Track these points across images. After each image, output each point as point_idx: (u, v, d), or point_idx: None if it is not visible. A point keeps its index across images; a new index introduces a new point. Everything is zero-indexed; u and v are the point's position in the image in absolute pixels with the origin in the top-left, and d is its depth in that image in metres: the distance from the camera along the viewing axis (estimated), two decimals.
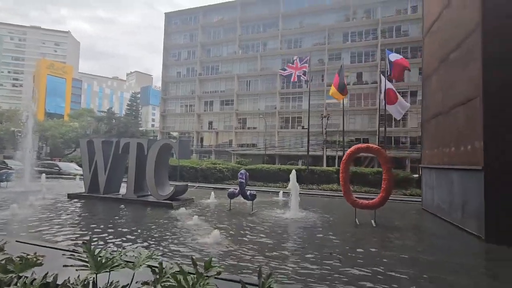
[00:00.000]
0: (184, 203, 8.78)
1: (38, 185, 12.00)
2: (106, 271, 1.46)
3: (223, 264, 3.81)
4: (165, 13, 52.72)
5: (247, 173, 8.67)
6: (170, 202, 8.42)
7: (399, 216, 8.49)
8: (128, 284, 1.47)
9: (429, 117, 9.65)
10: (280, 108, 42.74)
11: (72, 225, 5.95)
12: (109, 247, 4.42)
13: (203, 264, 1.41)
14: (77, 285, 1.38)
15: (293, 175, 8.29)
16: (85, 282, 1.40)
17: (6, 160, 21.62)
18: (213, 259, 1.49)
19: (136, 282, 1.44)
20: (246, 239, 5.30)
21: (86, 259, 1.47)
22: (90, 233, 5.28)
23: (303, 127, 39.80)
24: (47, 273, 1.42)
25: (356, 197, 7.43)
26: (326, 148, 35.35)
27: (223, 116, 46.52)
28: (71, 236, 5.07)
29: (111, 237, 5.04)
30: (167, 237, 5.19)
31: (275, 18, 45.04)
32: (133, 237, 5.08)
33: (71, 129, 46.11)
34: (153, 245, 4.64)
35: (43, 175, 14.00)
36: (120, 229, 5.68)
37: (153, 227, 5.95)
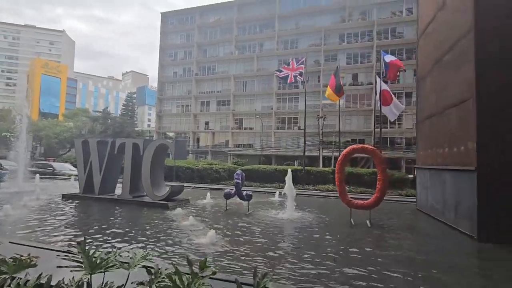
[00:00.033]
0: (180, 204, 8.75)
1: (32, 185, 11.87)
2: (101, 272, 1.46)
3: (219, 264, 3.82)
4: (162, 13, 52.56)
5: (243, 174, 8.68)
6: (166, 202, 8.39)
7: (393, 216, 8.56)
8: (123, 284, 1.47)
9: (423, 118, 9.76)
10: (277, 109, 42.82)
11: (67, 226, 5.90)
12: (104, 248, 4.39)
13: (198, 264, 1.42)
14: (72, 285, 1.38)
15: (288, 176, 8.31)
16: (80, 283, 1.39)
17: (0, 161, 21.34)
18: (208, 259, 1.50)
19: (132, 283, 1.44)
20: (242, 239, 5.31)
21: (81, 260, 1.47)
22: (84, 234, 5.24)
23: (299, 128, 39.94)
24: (41, 274, 1.42)
25: (351, 198, 7.49)
26: (322, 148, 35.48)
27: (219, 116, 46.46)
28: (65, 237, 5.03)
29: (106, 238, 5.01)
30: (163, 237, 5.17)
31: (272, 19, 45.14)
32: (128, 238, 5.06)
33: (66, 129, 45.69)
34: (148, 246, 4.62)
35: (37, 175, 13.84)
36: (115, 230, 5.65)
37: (148, 227, 5.93)
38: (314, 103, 39.24)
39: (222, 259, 4.10)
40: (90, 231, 5.46)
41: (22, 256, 1.54)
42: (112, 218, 6.98)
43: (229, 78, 46.06)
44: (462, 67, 6.58)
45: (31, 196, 8.93)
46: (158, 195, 8.69)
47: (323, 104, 38.69)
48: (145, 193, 9.06)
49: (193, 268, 1.38)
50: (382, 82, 16.04)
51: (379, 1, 39.93)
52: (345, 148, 7.62)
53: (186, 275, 1.34)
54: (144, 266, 1.48)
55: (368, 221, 6.97)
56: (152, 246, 4.60)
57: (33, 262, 1.52)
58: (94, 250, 1.56)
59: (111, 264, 1.49)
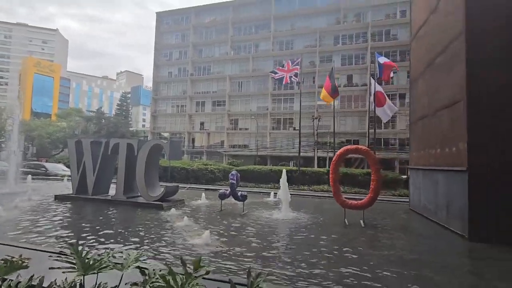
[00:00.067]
0: (175, 204, 8.71)
1: (24, 186, 11.70)
2: (94, 273, 1.46)
3: (213, 265, 3.82)
4: (157, 13, 52.24)
5: (238, 174, 8.69)
6: (160, 203, 8.34)
7: (387, 216, 8.65)
8: (116, 285, 1.47)
9: (416, 120, 9.89)
10: (272, 109, 42.89)
11: (59, 227, 5.83)
12: (97, 249, 4.36)
13: (192, 264, 1.42)
14: (64, 287, 1.37)
15: (283, 179, 8.32)
16: (72, 284, 1.39)
17: None
18: (202, 259, 1.50)
19: (125, 284, 1.44)
20: (236, 239, 5.31)
21: (74, 261, 1.46)
22: (77, 235, 5.19)
23: (294, 128, 40.07)
24: (33, 275, 1.41)
25: (345, 198, 7.55)
26: (317, 149, 35.66)
27: (214, 116, 46.36)
28: (57, 238, 4.97)
29: (99, 239, 4.97)
30: (157, 238, 5.15)
31: (267, 19, 45.22)
32: (122, 239, 5.03)
33: (59, 129, 45.08)
34: (142, 247, 4.60)
35: (29, 176, 13.65)
36: (109, 230, 5.60)
37: (142, 228, 5.90)
38: (309, 104, 39.43)
39: (216, 260, 4.10)
40: (83, 232, 5.41)
41: (13, 257, 1.53)
42: (106, 219, 6.92)
43: (224, 78, 45.99)
44: (453, 70, 6.69)
45: (23, 197, 8.80)
46: (152, 195, 8.64)
47: (318, 105, 38.89)
48: (139, 194, 9.00)
49: (187, 268, 1.38)
50: (376, 83, 16.22)
51: (374, 4, 40.33)
52: (339, 149, 7.68)
53: (180, 276, 1.35)
54: (137, 267, 1.49)
55: (362, 221, 7.04)
56: (146, 247, 4.58)
57: (24, 264, 1.50)
58: (87, 251, 1.56)
59: (104, 265, 1.49)
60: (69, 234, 5.27)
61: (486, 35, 5.95)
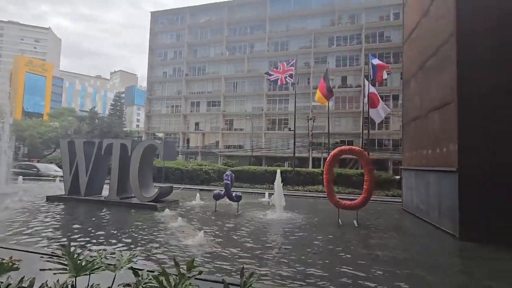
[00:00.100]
0: (169, 205, 8.67)
1: (15, 187, 11.50)
2: (86, 274, 1.45)
3: (207, 265, 3.81)
4: (151, 12, 51.90)
5: (233, 175, 8.69)
6: (154, 204, 8.29)
7: (380, 216, 8.74)
8: (109, 286, 1.47)
9: (408, 121, 10.02)
10: (267, 110, 42.96)
11: (51, 228, 5.75)
12: (90, 250, 4.32)
13: (185, 265, 1.43)
14: None
15: (278, 181, 8.34)
16: (64, 286, 1.38)
17: None
18: (196, 260, 1.51)
19: (118, 285, 1.44)
20: (230, 240, 5.31)
21: (65, 262, 1.45)
22: (69, 236, 5.13)
23: (289, 129, 40.21)
24: (23, 277, 1.39)
25: (339, 198, 7.61)
26: (312, 149, 35.83)
27: (209, 117, 46.23)
28: (49, 239, 4.91)
29: (92, 240, 4.92)
30: (150, 239, 5.12)
31: (262, 20, 45.31)
32: (115, 240, 4.98)
33: (51, 129, 44.43)
34: (136, 248, 4.57)
35: (20, 177, 13.43)
36: (102, 231, 5.55)
37: (136, 229, 5.85)
38: (304, 104, 39.58)
39: (210, 260, 4.10)
40: (75, 233, 5.35)
41: (3, 259, 1.51)
42: (99, 220, 6.84)
43: (219, 78, 45.91)
44: (444, 72, 6.80)
45: (14, 198, 8.66)
46: (146, 196, 8.59)
47: (313, 106, 39.09)
48: (133, 194, 8.93)
49: (180, 269, 1.39)
50: (370, 85, 16.39)
51: (368, 6, 40.74)
52: (334, 150, 7.75)
53: (173, 276, 1.35)
54: (130, 268, 1.48)
55: (355, 221, 7.10)
56: (139, 248, 4.55)
57: (15, 266, 1.49)
58: (79, 252, 1.55)
59: (96, 266, 1.48)
60: (61, 236, 5.21)
61: (476, 37, 6.06)
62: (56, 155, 36.69)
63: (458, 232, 5.83)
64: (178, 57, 49.68)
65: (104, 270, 1.47)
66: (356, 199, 7.58)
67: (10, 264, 1.49)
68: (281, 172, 8.59)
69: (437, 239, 6.16)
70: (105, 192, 9.36)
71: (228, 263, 4.02)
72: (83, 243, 4.73)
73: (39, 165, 20.40)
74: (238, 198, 8.22)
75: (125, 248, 4.55)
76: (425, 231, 6.94)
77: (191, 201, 9.77)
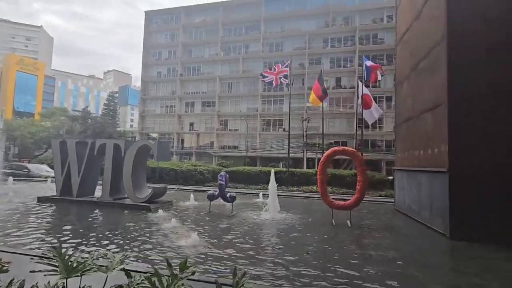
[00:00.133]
0: (163, 206, 8.61)
1: (5, 188, 11.29)
2: (77, 276, 1.44)
3: (200, 266, 3.80)
4: (146, 12, 51.54)
5: (227, 175, 8.68)
6: (148, 205, 8.23)
7: (373, 216, 8.83)
8: None
9: (401, 122, 10.15)
10: (262, 111, 43.01)
11: (42, 230, 5.66)
12: (81, 251, 4.27)
13: (178, 266, 1.43)
14: None
15: (272, 183, 8.35)
16: (55, 287, 1.37)
17: None
18: (189, 260, 1.51)
19: (111, 287, 1.43)
20: (224, 240, 5.31)
21: (56, 264, 1.44)
22: (61, 237, 5.06)
23: (284, 130, 40.29)
24: (13, 279, 1.38)
25: (333, 198, 7.66)
26: (306, 150, 35.99)
27: (204, 117, 46.08)
28: (39, 241, 4.83)
29: (84, 241, 4.87)
30: (144, 240, 5.08)
31: (257, 21, 45.38)
32: (107, 242, 4.93)
33: (42, 128, 43.68)
34: (128, 249, 4.53)
35: (10, 177, 13.19)
36: (94, 233, 5.49)
37: (129, 230, 5.80)
38: (298, 105, 39.73)
39: (204, 261, 4.09)
40: (66, 235, 5.27)
41: None
42: (91, 221, 6.77)
43: (214, 79, 45.80)
44: (436, 73, 6.92)
45: (4, 199, 8.50)
46: (140, 197, 8.52)
47: (307, 106, 39.22)
48: (126, 195, 8.85)
49: (173, 269, 1.39)
50: (363, 86, 16.56)
51: (362, 8, 41.15)
52: (328, 150, 7.80)
53: (166, 277, 1.35)
54: (123, 269, 1.48)
55: (348, 221, 7.16)
56: (132, 249, 4.52)
57: (4, 268, 1.47)
58: (70, 254, 1.54)
59: (88, 268, 1.47)
60: (52, 237, 5.13)
61: (467, 38, 6.17)
62: (47, 155, 36.08)
63: (449, 231, 5.93)
64: (173, 57, 49.41)
65: (95, 271, 1.46)
66: (349, 199, 7.65)
67: (0, 266, 1.47)
68: (276, 173, 8.62)
69: (428, 238, 6.25)
70: (98, 193, 9.25)
71: (221, 264, 4.01)
72: (74, 244, 4.67)
73: (30, 165, 20.06)
74: (232, 199, 8.22)
75: (118, 249, 4.51)
76: (417, 231, 7.04)
77: (185, 202, 9.73)
